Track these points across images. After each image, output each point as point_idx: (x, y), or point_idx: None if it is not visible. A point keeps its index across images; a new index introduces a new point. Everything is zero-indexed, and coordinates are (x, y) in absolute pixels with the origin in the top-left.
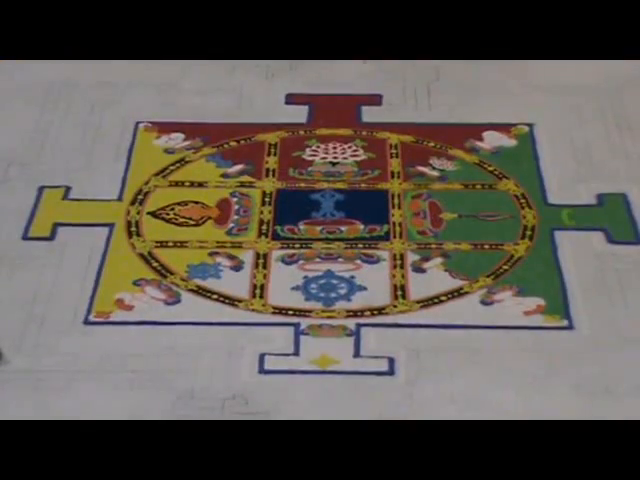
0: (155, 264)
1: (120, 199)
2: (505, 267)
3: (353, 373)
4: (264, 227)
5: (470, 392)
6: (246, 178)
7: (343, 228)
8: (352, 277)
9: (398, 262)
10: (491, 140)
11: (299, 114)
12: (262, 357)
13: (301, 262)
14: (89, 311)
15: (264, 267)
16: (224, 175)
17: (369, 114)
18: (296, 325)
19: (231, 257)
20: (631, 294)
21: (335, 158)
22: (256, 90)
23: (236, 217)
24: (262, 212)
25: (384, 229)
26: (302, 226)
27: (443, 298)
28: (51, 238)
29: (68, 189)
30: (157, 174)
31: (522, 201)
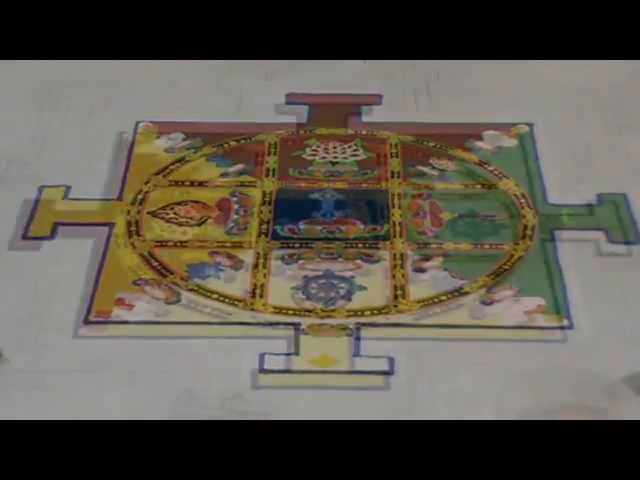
0: (155, 264)
1: (120, 199)
2: (505, 267)
3: (353, 373)
4: (264, 227)
5: (470, 392)
6: (246, 178)
7: (343, 228)
8: (352, 277)
9: (398, 262)
10: (491, 140)
11: (299, 114)
12: (262, 357)
13: (301, 262)
14: (89, 311)
15: (264, 267)
16: (224, 175)
17: (369, 114)
18: (296, 325)
19: (231, 257)
20: (631, 294)
21: (335, 158)
22: (256, 90)
23: (236, 217)
24: (262, 212)
25: (384, 229)
26: (302, 226)
27: (443, 298)
28: (51, 238)
29: (68, 188)
30: (157, 174)
31: (522, 201)
